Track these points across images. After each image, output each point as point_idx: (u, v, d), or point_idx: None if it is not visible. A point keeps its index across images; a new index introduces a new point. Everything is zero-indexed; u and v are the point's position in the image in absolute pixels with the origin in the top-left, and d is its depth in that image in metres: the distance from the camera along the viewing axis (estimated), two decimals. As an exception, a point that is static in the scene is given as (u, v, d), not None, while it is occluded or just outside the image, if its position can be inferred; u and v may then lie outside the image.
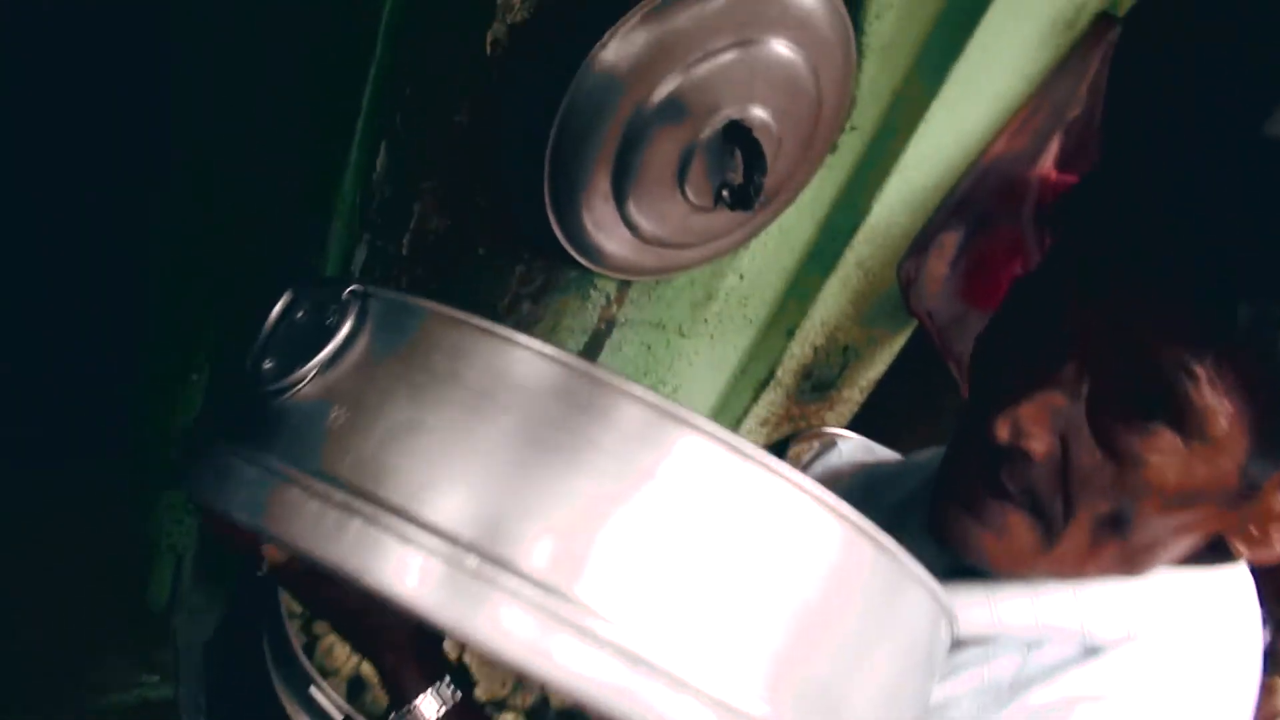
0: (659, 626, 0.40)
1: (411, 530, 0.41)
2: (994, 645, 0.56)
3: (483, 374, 0.42)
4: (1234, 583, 0.56)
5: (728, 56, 0.91)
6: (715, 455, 0.42)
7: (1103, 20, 1.22)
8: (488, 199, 0.93)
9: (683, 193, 0.97)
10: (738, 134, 0.93)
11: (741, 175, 0.93)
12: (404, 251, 0.92)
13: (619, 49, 0.86)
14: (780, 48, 0.94)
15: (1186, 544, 0.52)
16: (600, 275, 1.06)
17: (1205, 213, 0.44)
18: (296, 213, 1.00)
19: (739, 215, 1.05)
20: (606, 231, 0.99)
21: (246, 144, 1.06)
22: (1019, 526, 0.54)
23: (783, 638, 0.41)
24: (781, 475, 0.42)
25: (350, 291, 0.46)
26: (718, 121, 0.93)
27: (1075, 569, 0.54)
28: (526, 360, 0.43)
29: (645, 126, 0.91)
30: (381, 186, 0.88)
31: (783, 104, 0.97)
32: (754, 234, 1.13)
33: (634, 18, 0.85)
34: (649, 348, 1.22)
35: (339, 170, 0.92)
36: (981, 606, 0.55)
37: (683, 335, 1.23)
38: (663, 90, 0.89)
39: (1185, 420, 0.46)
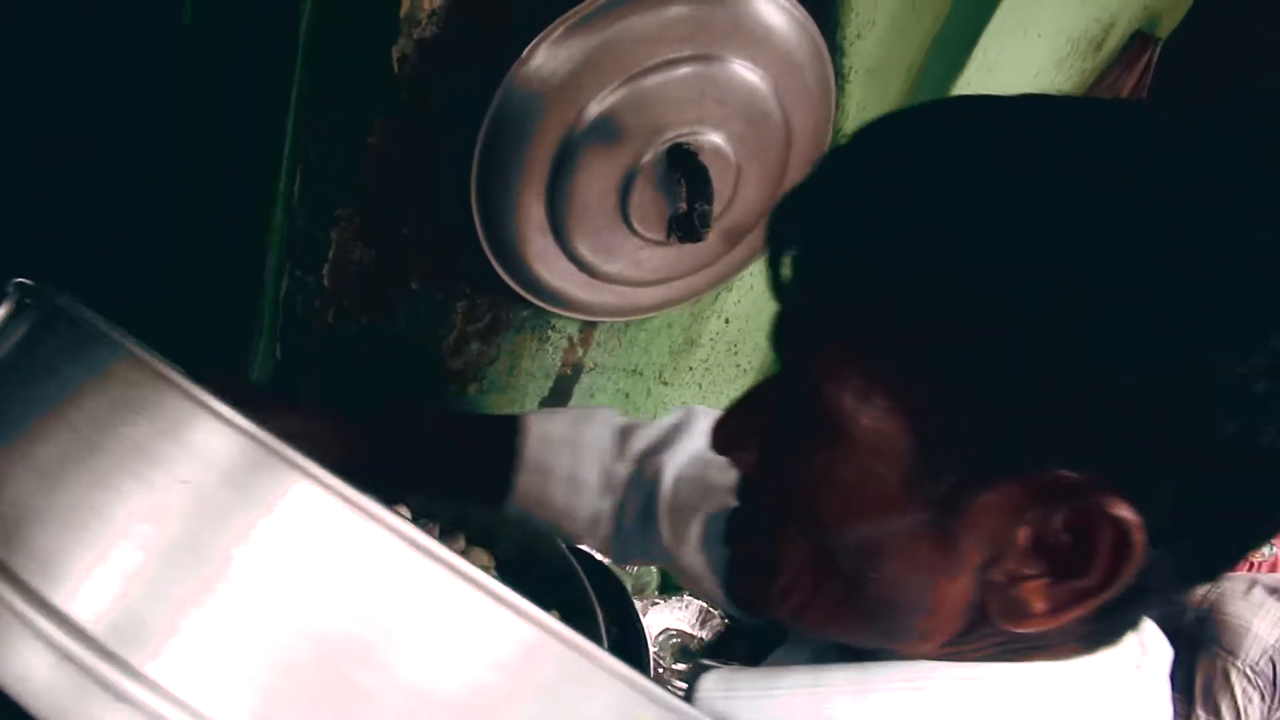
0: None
1: (36, 617, 0.35)
2: None
3: (147, 428, 0.36)
4: (1123, 678, 0.43)
5: (672, 74, 0.83)
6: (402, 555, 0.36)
7: (1138, 40, 1.10)
8: (415, 228, 0.87)
9: (627, 224, 0.89)
10: (682, 158, 0.85)
11: (685, 202, 0.85)
12: (326, 283, 0.87)
13: (544, 63, 0.80)
14: (737, 67, 0.86)
15: (950, 599, 0.40)
16: (557, 315, 0.99)
17: None
18: (242, 247, 0.97)
19: (707, 252, 0.97)
20: (550, 266, 0.92)
21: (207, 176, 1.04)
22: (751, 553, 0.46)
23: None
24: (469, 578, 0.35)
25: (15, 284, 0.40)
26: (660, 145, 0.85)
27: (806, 612, 0.44)
28: (203, 423, 0.36)
29: (576, 148, 0.84)
30: (297, 215, 0.83)
31: (741, 129, 0.88)
32: (732, 273, 1.05)
33: (559, 29, 0.79)
34: (627, 395, 1.14)
35: (271, 202, 0.89)
36: (806, 699, 0.44)
37: (665, 383, 1.15)
38: (595, 109, 0.82)
39: (821, 421, 0.40)
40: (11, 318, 0.42)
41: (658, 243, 0.92)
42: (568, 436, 0.73)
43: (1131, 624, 0.44)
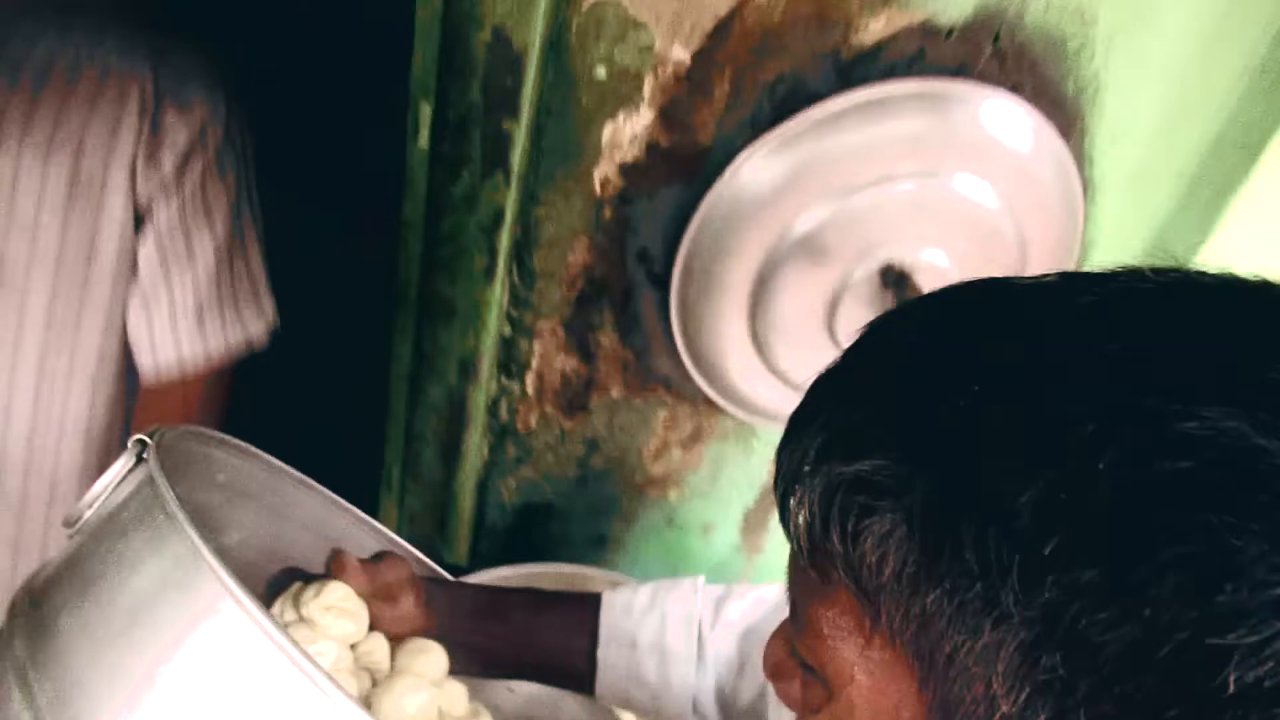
0: None
1: None
2: None
3: (183, 613, 0.37)
4: None
5: (885, 190, 0.78)
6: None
7: None
8: (615, 340, 0.87)
9: (835, 341, 0.84)
10: (894, 279, 0.79)
11: (894, 328, 0.79)
12: (528, 391, 0.89)
13: (748, 180, 0.78)
14: (960, 182, 0.79)
15: None
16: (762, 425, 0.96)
17: None
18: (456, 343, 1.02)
19: (925, 371, 0.90)
20: (752, 379, 0.89)
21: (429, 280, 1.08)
22: None
23: None
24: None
25: (135, 440, 0.43)
26: (872, 263, 0.80)
27: None
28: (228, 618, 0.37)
29: (781, 265, 0.80)
30: (501, 324, 0.87)
31: (964, 246, 0.81)
32: (959, 392, 0.96)
33: (764, 147, 0.77)
34: (838, 511, 1.07)
35: (486, 309, 0.92)
36: None
37: (881, 501, 1.07)
38: (801, 226, 0.79)
39: (823, 675, 0.37)
40: (129, 472, 0.44)
41: (867, 363, 0.86)
42: (651, 604, 0.66)
43: None
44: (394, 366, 1.05)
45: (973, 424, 0.32)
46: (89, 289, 0.89)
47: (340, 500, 0.61)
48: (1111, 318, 0.33)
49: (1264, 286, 0.33)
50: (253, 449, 0.49)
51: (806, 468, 0.35)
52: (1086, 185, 0.85)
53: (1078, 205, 0.85)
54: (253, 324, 0.97)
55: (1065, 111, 0.81)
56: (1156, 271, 0.34)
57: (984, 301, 0.36)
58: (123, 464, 0.43)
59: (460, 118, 0.82)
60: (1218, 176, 0.87)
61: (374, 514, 1.16)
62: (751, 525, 1.07)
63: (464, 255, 0.90)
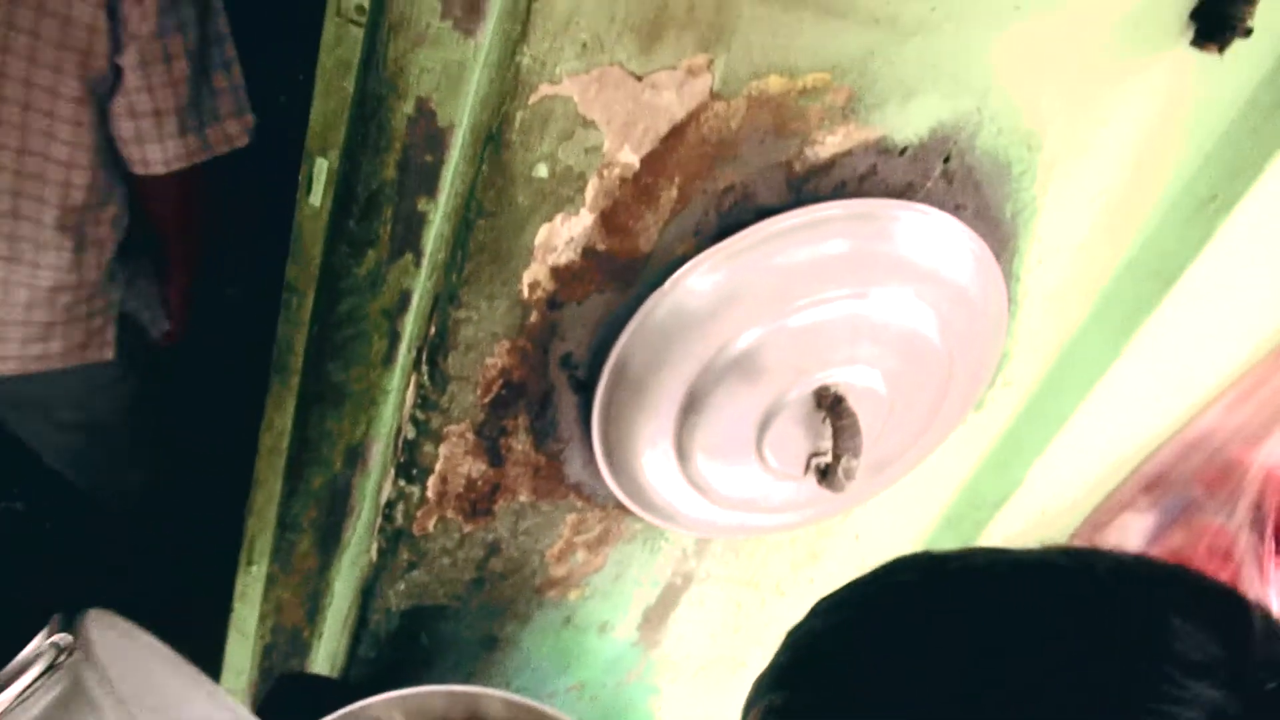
0: None
1: None
2: None
3: None
4: None
5: (824, 311, 0.75)
6: None
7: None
8: (529, 445, 0.80)
9: (762, 458, 0.80)
10: (829, 404, 0.76)
11: (830, 453, 0.76)
12: (429, 494, 0.81)
13: (690, 291, 0.72)
14: (899, 300, 0.77)
15: None
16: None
17: None
18: (342, 432, 0.92)
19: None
20: (673, 489, 0.84)
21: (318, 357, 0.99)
22: None
23: None
24: None
25: (51, 642, 0.35)
26: (806, 384, 0.76)
27: None
28: None
29: (716, 382, 0.75)
30: (405, 427, 0.78)
31: (898, 364, 0.79)
32: (871, 495, 0.94)
33: (710, 259, 0.71)
34: (739, 605, 1.04)
35: (384, 394, 0.83)
36: None
37: (781, 594, 1.04)
38: (737, 344, 0.74)
39: None
40: (44, 674, 0.35)
41: (792, 477, 0.83)
42: None
43: None
44: (264, 437, 0.94)
45: (852, 673, 0.40)
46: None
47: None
48: (963, 597, 0.39)
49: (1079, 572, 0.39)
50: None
51: (757, 694, 0.44)
52: (1010, 302, 0.85)
53: (1004, 323, 0.84)
54: (233, 128, 1.20)
55: (1001, 232, 0.80)
56: (1052, 551, 0.41)
57: (887, 584, 0.43)
58: (35, 674, 0.34)
59: (371, 194, 0.73)
60: (1130, 300, 0.88)
61: (229, 588, 1.04)
62: (651, 621, 1.02)
63: (362, 339, 0.81)
